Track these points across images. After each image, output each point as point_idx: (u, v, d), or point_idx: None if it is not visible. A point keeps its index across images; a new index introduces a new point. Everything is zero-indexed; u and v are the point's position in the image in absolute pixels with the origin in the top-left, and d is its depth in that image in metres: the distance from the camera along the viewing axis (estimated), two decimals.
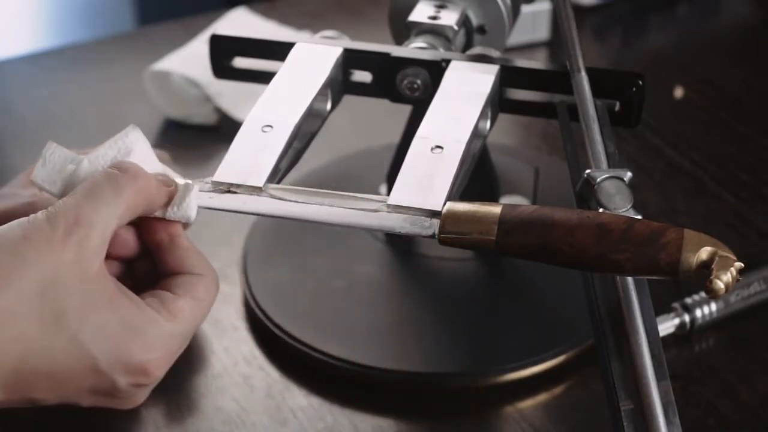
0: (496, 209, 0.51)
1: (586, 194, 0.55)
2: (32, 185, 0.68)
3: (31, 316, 0.46)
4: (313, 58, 0.66)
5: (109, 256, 0.50)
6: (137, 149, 0.53)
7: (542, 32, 1.07)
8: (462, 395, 0.68)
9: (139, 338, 0.49)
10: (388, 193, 0.55)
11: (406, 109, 0.73)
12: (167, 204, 0.53)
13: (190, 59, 0.96)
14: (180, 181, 0.54)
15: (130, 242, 0.53)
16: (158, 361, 0.50)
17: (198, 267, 0.53)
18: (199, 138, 0.94)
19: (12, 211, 0.65)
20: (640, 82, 0.63)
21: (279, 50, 0.67)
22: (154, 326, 0.49)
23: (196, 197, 0.53)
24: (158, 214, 0.53)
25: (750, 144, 0.92)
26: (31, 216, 0.49)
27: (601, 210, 0.53)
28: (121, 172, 0.51)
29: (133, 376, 0.49)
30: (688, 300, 0.71)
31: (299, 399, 0.68)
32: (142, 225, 0.53)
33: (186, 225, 0.54)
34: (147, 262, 0.54)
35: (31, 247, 0.47)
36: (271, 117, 0.60)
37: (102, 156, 0.53)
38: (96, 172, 0.51)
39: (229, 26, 1.02)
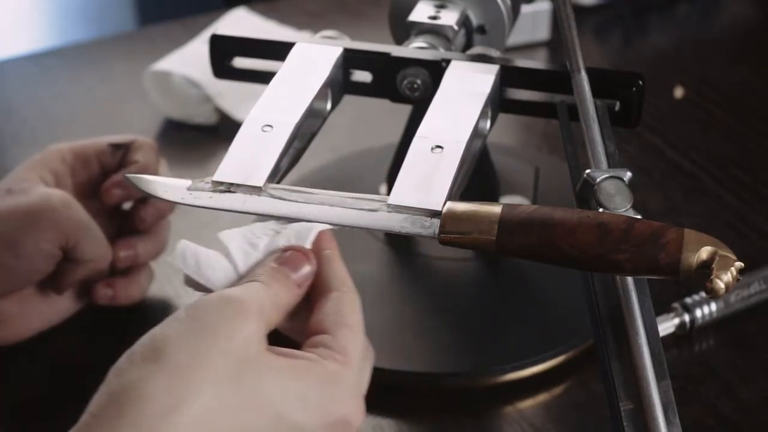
0: (496, 209, 0.51)
1: (586, 194, 0.55)
2: (37, 179, 0.69)
3: (232, 408, 0.45)
4: (313, 58, 0.66)
5: None
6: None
7: (542, 32, 1.07)
8: (462, 395, 0.68)
9: (333, 395, 0.48)
10: (388, 193, 0.55)
11: (406, 109, 0.73)
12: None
13: (190, 59, 0.96)
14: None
15: None
16: (356, 408, 0.49)
17: (332, 284, 0.52)
18: (199, 138, 0.94)
19: (27, 207, 0.65)
20: (640, 82, 0.63)
21: (279, 50, 0.67)
22: (339, 376, 0.48)
23: None
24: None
25: (750, 144, 0.92)
26: (205, 297, 0.48)
27: (601, 210, 0.53)
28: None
29: (339, 428, 0.48)
30: (688, 300, 0.71)
31: None
32: None
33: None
34: None
35: (222, 328, 0.46)
36: (271, 117, 0.60)
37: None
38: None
39: (229, 26, 1.02)
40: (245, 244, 0.52)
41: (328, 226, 0.53)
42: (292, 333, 0.52)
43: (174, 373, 0.44)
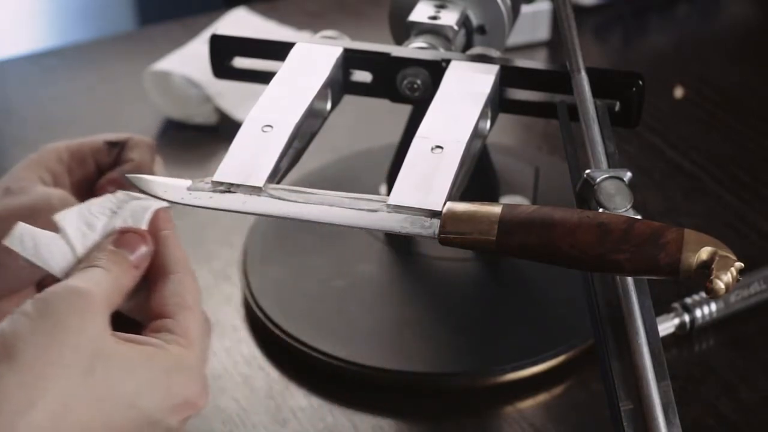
0: (496, 209, 0.51)
1: (586, 194, 0.55)
2: (35, 179, 0.68)
3: (86, 401, 0.46)
4: (313, 58, 0.66)
5: None
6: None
7: (542, 32, 1.07)
8: (462, 395, 0.68)
9: (179, 379, 0.49)
10: (388, 193, 0.55)
11: (406, 109, 0.73)
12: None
13: (190, 59, 0.96)
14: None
15: None
16: (201, 388, 0.50)
17: (170, 264, 0.53)
18: (199, 138, 0.94)
19: (27, 207, 0.65)
20: (640, 82, 0.63)
21: (279, 50, 0.67)
22: (183, 360, 0.50)
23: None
24: None
25: (750, 144, 0.92)
26: (50, 290, 0.48)
27: (601, 210, 0.53)
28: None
29: (184, 413, 0.50)
30: (688, 300, 0.71)
31: (299, 399, 0.68)
32: None
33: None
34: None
35: (72, 324, 0.47)
36: (271, 117, 0.60)
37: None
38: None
39: (229, 26, 1.02)
40: (83, 224, 0.53)
41: (164, 204, 0.54)
42: (131, 312, 0.53)
43: (27, 371, 0.45)
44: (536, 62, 0.66)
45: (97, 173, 0.72)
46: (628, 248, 0.49)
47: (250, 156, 0.57)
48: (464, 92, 0.62)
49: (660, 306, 0.69)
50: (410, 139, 0.58)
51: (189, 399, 0.50)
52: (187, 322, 0.51)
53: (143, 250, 0.52)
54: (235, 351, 0.72)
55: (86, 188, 0.72)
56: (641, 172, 0.87)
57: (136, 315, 0.53)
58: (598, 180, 0.54)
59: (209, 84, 0.93)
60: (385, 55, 0.67)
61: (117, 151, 0.72)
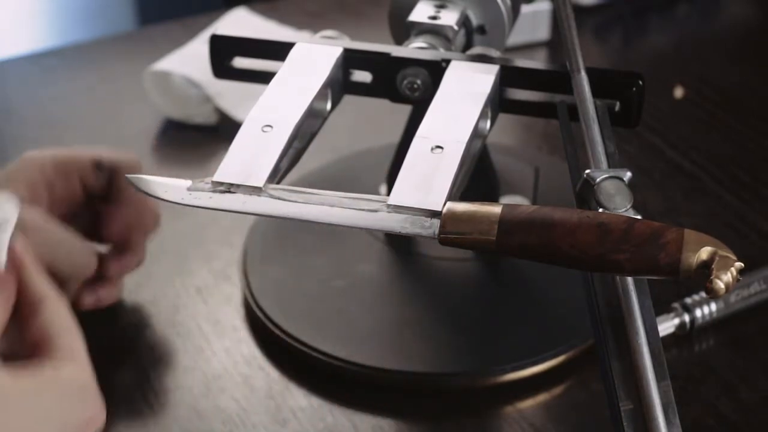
0: (496, 209, 0.51)
1: (586, 194, 0.55)
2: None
3: None
4: (313, 58, 0.66)
5: None
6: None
7: (542, 32, 1.07)
8: (462, 395, 0.68)
9: (77, 400, 0.49)
10: (388, 193, 0.55)
11: (406, 109, 0.73)
12: None
13: (190, 59, 0.96)
14: None
15: None
16: (100, 405, 0.50)
17: (37, 292, 0.52)
18: (199, 138, 0.94)
19: None
20: (640, 82, 0.63)
21: (279, 50, 0.67)
22: (78, 380, 0.50)
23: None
24: None
25: (750, 144, 0.92)
26: None
27: (601, 210, 0.53)
28: None
29: (88, 430, 0.50)
30: (688, 300, 0.71)
31: (299, 399, 0.68)
32: None
33: None
34: None
35: None
36: (271, 117, 0.60)
37: None
38: None
39: (229, 26, 1.02)
40: None
41: (12, 233, 0.52)
42: (8, 349, 0.52)
43: None
44: (536, 62, 0.66)
45: (82, 193, 0.71)
46: (628, 248, 0.49)
47: (250, 156, 0.57)
48: (464, 92, 0.62)
49: (660, 306, 0.69)
50: (410, 139, 0.58)
51: (91, 416, 0.50)
52: (71, 344, 0.51)
53: (8, 289, 0.51)
54: (235, 351, 0.72)
55: (67, 206, 0.70)
56: (641, 172, 0.87)
57: (12, 350, 0.52)
58: (598, 180, 0.54)
59: (209, 84, 0.93)
60: (385, 55, 0.67)
61: (105, 176, 0.71)
